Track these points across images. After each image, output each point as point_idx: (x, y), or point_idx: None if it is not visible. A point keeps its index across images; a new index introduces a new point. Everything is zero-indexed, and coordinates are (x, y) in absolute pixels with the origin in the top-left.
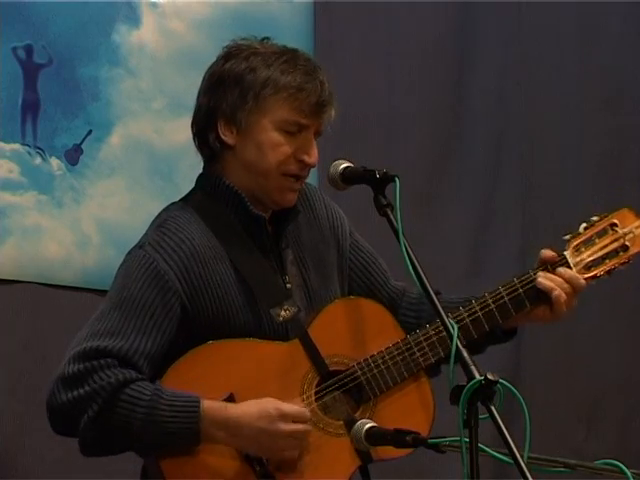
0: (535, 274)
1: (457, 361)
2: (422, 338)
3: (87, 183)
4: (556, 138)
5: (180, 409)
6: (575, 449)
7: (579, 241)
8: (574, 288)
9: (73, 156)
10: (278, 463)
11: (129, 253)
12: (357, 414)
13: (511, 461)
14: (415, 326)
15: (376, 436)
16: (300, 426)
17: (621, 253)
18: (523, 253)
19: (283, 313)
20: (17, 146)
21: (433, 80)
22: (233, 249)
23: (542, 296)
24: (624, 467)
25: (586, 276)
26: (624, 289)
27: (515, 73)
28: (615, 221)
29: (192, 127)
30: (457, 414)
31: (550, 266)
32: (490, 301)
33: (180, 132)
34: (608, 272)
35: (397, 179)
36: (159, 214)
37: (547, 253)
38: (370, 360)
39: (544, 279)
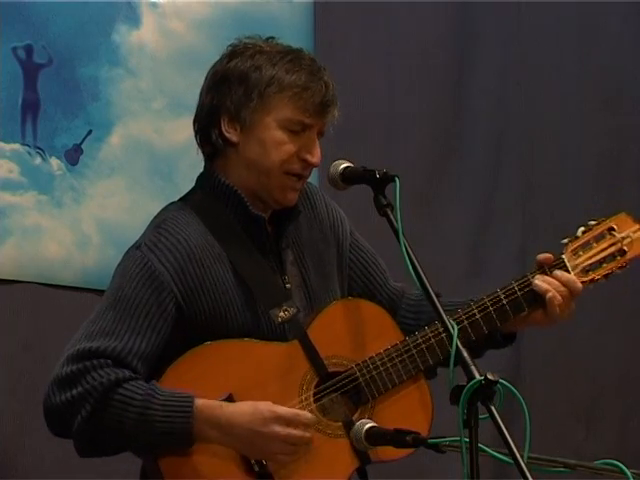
0: (533, 277)
1: (457, 362)
2: (421, 341)
3: (87, 183)
4: (556, 138)
5: (173, 408)
6: (575, 449)
7: (577, 245)
8: (571, 291)
9: (73, 156)
10: (277, 464)
11: (126, 253)
12: (355, 416)
13: (511, 461)
14: (414, 328)
15: (376, 436)
16: (295, 431)
17: (618, 257)
18: (523, 253)
19: (282, 314)
20: (17, 146)
21: (433, 80)
22: (232, 249)
23: (539, 299)
24: (624, 467)
25: (583, 280)
26: (622, 290)
27: (515, 73)
28: (613, 225)
29: (194, 124)
30: (457, 414)
31: (548, 269)
32: (489, 304)
33: (180, 132)
34: (605, 276)
35: (397, 179)
36: (158, 214)
37: (544, 256)
38: (369, 362)
39: (540, 281)
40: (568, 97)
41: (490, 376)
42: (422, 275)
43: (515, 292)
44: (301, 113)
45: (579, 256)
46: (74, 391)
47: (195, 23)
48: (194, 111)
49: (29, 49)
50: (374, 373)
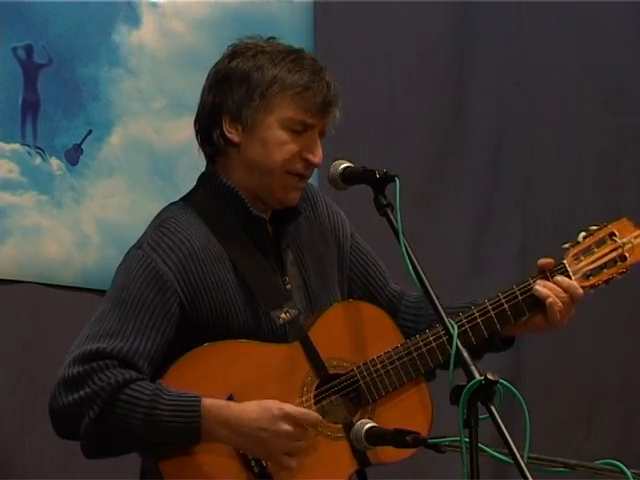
0: (534, 282)
1: (457, 363)
2: (422, 343)
3: (87, 183)
4: (556, 138)
5: (181, 408)
6: (575, 449)
7: (578, 250)
8: (572, 297)
9: (73, 156)
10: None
11: (128, 253)
12: (355, 418)
13: (511, 461)
14: (413, 330)
15: (376, 436)
16: (300, 428)
17: (619, 263)
18: (523, 253)
19: (283, 315)
20: (17, 146)
21: (433, 80)
22: (233, 250)
23: (539, 303)
24: (624, 467)
25: (584, 284)
26: (623, 291)
27: (515, 73)
28: (614, 231)
29: (195, 124)
30: (457, 414)
31: (549, 274)
32: (490, 308)
33: (180, 132)
34: (606, 281)
35: (397, 179)
36: (159, 214)
37: (545, 260)
38: (370, 364)
39: (541, 286)
40: (568, 97)
41: (490, 376)
42: (422, 275)
43: (517, 296)
44: (303, 113)
45: (580, 261)
46: (81, 392)
47: (195, 23)
48: (194, 111)
49: (29, 49)
50: (375, 376)
